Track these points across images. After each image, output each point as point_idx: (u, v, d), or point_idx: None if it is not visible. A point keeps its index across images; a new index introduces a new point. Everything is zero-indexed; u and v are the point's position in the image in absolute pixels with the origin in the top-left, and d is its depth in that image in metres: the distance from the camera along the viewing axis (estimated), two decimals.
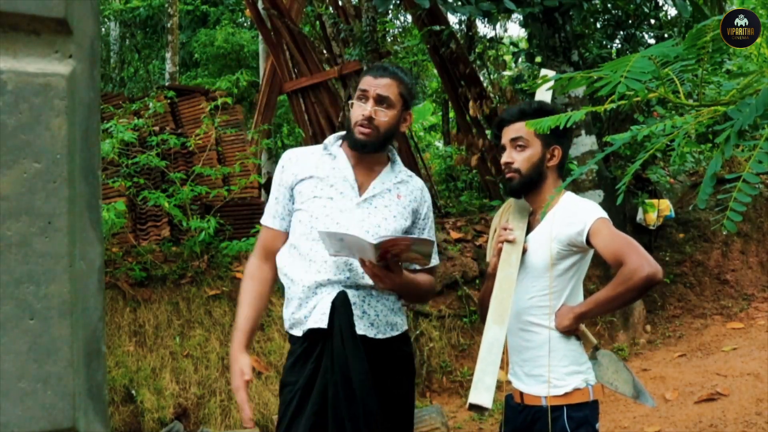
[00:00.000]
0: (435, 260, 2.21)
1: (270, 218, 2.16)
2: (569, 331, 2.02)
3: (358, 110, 2.09)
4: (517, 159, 2.08)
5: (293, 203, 2.13)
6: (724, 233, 6.37)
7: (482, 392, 1.90)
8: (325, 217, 2.04)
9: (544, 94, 2.26)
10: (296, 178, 2.12)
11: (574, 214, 2.00)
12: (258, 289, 2.16)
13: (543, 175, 2.08)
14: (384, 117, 2.09)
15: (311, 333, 2.02)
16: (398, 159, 2.24)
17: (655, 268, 1.86)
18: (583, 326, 2.07)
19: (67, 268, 0.82)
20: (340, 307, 2.00)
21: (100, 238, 0.87)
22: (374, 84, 2.09)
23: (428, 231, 2.21)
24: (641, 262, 1.86)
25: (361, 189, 2.11)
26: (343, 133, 2.22)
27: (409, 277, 2.07)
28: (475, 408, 1.91)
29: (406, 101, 2.15)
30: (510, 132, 2.11)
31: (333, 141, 2.20)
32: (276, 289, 2.27)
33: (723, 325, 5.70)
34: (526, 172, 2.07)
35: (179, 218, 5.08)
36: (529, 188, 2.10)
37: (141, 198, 5.18)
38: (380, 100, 2.08)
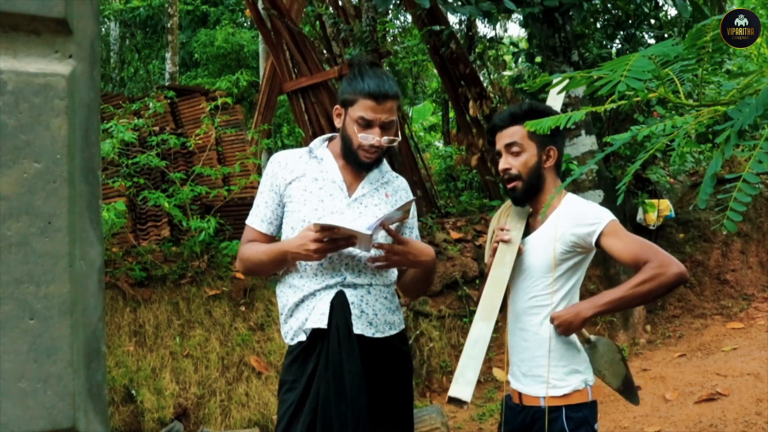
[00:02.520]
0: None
1: (258, 221, 2.15)
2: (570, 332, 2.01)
3: (363, 138, 2.04)
4: (515, 164, 2.07)
5: (283, 208, 2.14)
6: (724, 233, 6.37)
7: (462, 386, 1.91)
8: (317, 220, 2.05)
9: (555, 99, 2.26)
10: (286, 182, 2.12)
11: (584, 215, 1.99)
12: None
13: (542, 177, 2.08)
14: (389, 140, 2.08)
15: (311, 333, 2.03)
16: (384, 160, 2.24)
17: (681, 267, 1.90)
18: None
19: (67, 268, 0.82)
20: (338, 307, 2.01)
21: (100, 238, 0.87)
22: (379, 111, 2.03)
23: (415, 229, 2.24)
24: (670, 260, 1.89)
25: (350, 189, 2.11)
26: (330, 135, 2.23)
27: (416, 243, 2.11)
28: (455, 401, 1.92)
29: (400, 108, 2.18)
30: (503, 137, 2.09)
31: (319, 144, 2.19)
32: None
33: (723, 325, 5.70)
34: (526, 178, 2.06)
35: (179, 218, 5.08)
36: (532, 193, 2.09)
37: (141, 198, 5.17)
38: (386, 126, 2.07)
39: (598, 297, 2.02)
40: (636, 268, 1.91)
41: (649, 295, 1.93)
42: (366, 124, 2.04)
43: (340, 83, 2.16)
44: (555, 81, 1.48)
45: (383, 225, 1.97)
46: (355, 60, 2.17)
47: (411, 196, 2.23)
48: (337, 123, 2.14)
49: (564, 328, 1.98)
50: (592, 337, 2.08)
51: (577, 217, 2.00)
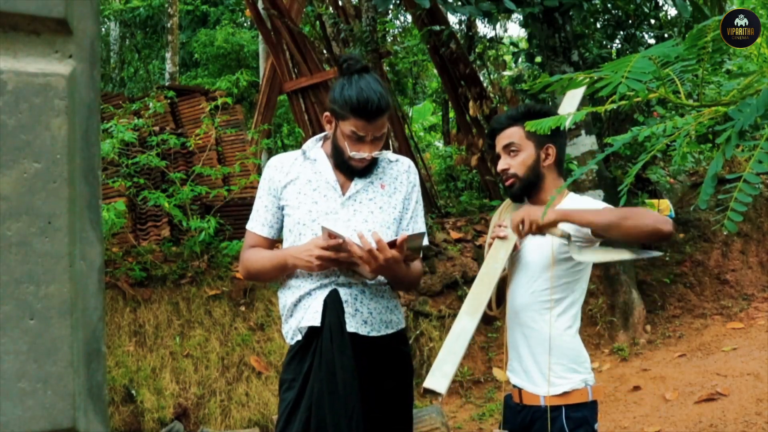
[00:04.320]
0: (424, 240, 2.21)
1: (259, 225, 2.16)
2: (540, 227, 1.94)
3: (354, 154, 2.05)
4: (513, 164, 2.08)
5: (282, 211, 2.14)
6: (725, 233, 6.37)
7: (439, 378, 1.91)
8: (312, 222, 2.06)
9: (572, 98, 2.25)
10: (282, 185, 2.13)
11: (580, 206, 2.01)
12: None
13: (541, 175, 2.09)
14: (379, 150, 2.09)
15: (306, 331, 2.04)
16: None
17: (668, 221, 1.84)
18: (560, 225, 1.97)
19: (67, 268, 0.81)
20: (331, 305, 2.01)
21: (100, 238, 0.87)
22: (371, 128, 2.03)
23: (420, 218, 2.20)
24: (656, 215, 1.86)
25: (343, 188, 2.11)
26: (323, 135, 2.21)
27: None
28: (429, 392, 1.92)
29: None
30: (502, 139, 2.12)
31: (312, 144, 2.19)
32: (276, 288, 2.28)
33: (723, 325, 5.70)
34: (523, 176, 2.08)
35: (179, 218, 5.08)
36: (529, 191, 2.10)
37: (141, 198, 5.18)
38: (377, 139, 2.07)
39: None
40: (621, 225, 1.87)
41: (624, 226, 1.84)
42: (357, 139, 2.04)
43: (332, 85, 2.13)
44: (541, 77, 1.48)
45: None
46: (343, 60, 2.05)
47: (413, 179, 2.20)
48: (328, 129, 2.13)
49: (533, 213, 1.94)
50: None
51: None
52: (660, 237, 1.86)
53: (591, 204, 2.05)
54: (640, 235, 1.87)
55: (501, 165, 2.11)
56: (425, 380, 1.92)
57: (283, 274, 2.11)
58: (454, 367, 1.93)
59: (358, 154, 2.04)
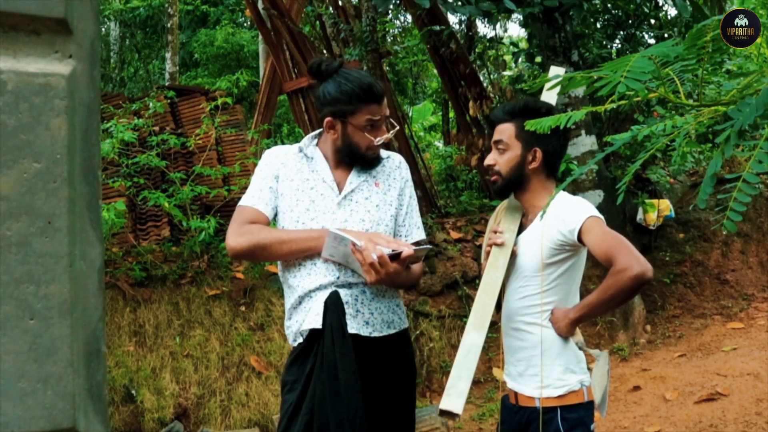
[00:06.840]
0: (421, 235, 2.21)
1: (262, 203, 2.08)
2: (566, 336, 2.02)
3: (378, 140, 2.07)
4: (498, 161, 2.09)
5: (276, 200, 2.12)
6: (724, 233, 6.37)
7: (454, 398, 1.89)
8: (311, 221, 2.05)
9: (548, 94, 2.26)
10: (280, 177, 2.12)
11: (566, 212, 1.98)
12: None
13: (524, 177, 2.07)
14: (390, 133, 2.13)
15: (308, 334, 2.03)
16: None
17: (644, 267, 1.83)
18: (578, 332, 2.06)
19: (67, 268, 0.82)
20: (332, 306, 1.99)
21: (100, 238, 0.87)
22: (382, 110, 2.08)
23: (415, 213, 2.19)
24: (630, 262, 1.83)
25: (339, 186, 2.11)
26: (317, 132, 2.20)
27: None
28: (446, 414, 1.90)
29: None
30: (495, 133, 2.12)
31: (308, 142, 2.18)
32: (276, 288, 2.27)
33: (723, 325, 5.70)
34: (506, 175, 2.08)
35: (179, 218, 5.08)
36: (511, 190, 2.10)
37: (141, 198, 5.18)
38: (386, 120, 2.10)
39: (581, 300, 2.02)
40: (609, 266, 1.89)
41: (614, 299, 1.90)
42: (373, 125, 2.06)
43: (318, 92, 2.14)
44: (551, 83, 1.48)
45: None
46: (317, 65, 2.01)
47: (405, 174, 2.20)
48: (331, 135, 2.10)
49: (556, 327, 1.99)
50: (594, 352, 2.07)
51: (560, 213, 1.99)
52: (641, 285, 1.88)
53: (572, 203, 2.03)
54: (628, 295, 1.92)
55: (488, 160, 2.13)
56: (441, 401, 1.90)
57: (303, 255, 2.03)
58: (468, 383, 1.91)
59: (380, 138, 2.07)
